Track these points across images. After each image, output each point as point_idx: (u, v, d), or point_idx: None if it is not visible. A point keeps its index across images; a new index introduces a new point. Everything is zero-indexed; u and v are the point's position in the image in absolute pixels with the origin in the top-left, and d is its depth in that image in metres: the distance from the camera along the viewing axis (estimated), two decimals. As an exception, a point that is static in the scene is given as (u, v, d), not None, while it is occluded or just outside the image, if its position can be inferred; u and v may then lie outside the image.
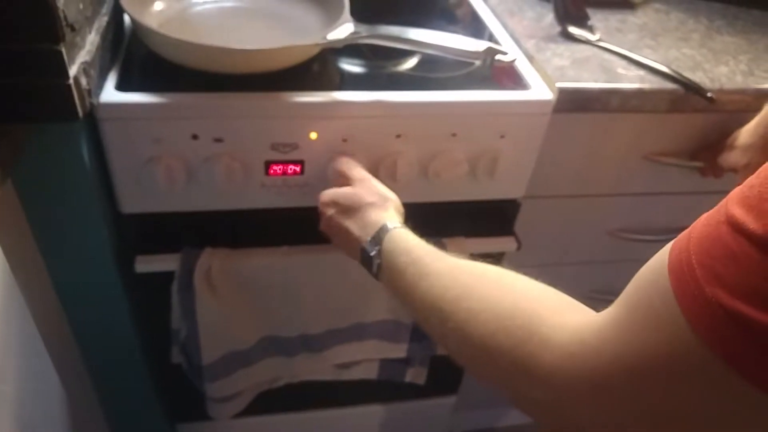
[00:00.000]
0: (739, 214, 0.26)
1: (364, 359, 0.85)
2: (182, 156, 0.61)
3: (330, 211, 0.58)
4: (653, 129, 0.75)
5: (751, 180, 0.27)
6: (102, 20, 0.59)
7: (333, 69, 0.68)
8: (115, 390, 0.82)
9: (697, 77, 0.72)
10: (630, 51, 0.75)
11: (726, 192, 0.31)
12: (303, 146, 0.64)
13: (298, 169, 0.65)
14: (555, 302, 0.40)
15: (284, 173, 0.65)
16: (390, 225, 0.53)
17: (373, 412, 1.01)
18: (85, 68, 0.52)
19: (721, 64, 0.76)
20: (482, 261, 0.49)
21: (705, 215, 0.30)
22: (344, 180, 0.61)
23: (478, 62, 0.58)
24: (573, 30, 0.77)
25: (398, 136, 0.65)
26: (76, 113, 0.51)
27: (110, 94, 0.58)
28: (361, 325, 0.79)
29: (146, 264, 0.66)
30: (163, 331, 0.75)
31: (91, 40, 0.55)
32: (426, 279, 0.47)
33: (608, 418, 0.32)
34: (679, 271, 0.28)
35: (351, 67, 0.69)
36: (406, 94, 0.64)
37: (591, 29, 0.78)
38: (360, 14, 0.65)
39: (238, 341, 0.75)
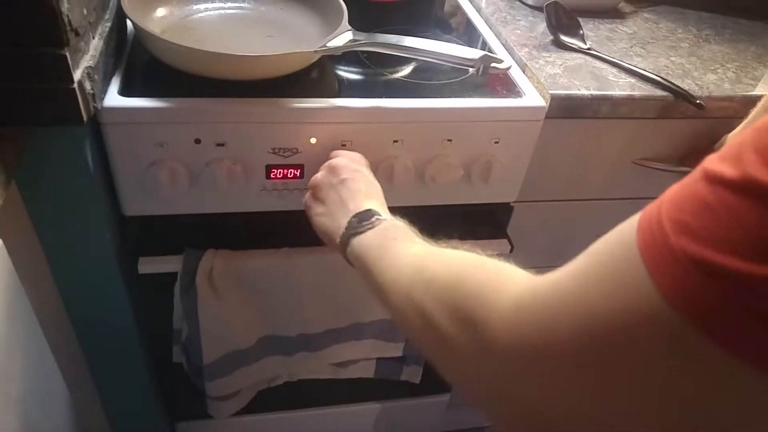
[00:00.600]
0: (717, 167, 0.24)
1: (361, 358, 0.87)
2: (185, 160, 0.63)
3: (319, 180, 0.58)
4: (643, 135, 0.77)
5: (730, 143, 0.25)
6: (105, 26, 0.61)
7: (332, 76, 0.70)
8: (117, 389, 0.83)
9: (686, 85, 0.74)
10: (620, 59, 0.77)
11: None
12: (303, 151, 0.65)
13: (298, 172, 0.67)
14: (511, 269, 0.38)
15: (284, 177, 0.67)
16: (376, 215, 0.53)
17: (369, 410, 1.02)
18: (89, 73, 0.53)
19: (709, 72, 0.79)
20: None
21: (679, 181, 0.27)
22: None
23: (473, 70, 0.59)
24: (565, 39, 0.79)
25: (395, 141, 0.67)
26: (81, 117, 0.53)
27: (113, 98, 0.59)
28: (359, 324, 0.81)
29: (149, 265, 0.68)
30: (164, 331, 0.76)
31: (95, 45, 0.57)
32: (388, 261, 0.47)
33: (560, 392, 0.28)
34: (647, 228, 0.26)
35: (349, 74, 0.71)
36: (403, 100, 0.65)
37: (582, 38, 0.80)
38: (357, 23, 0.67)
39: (239, 341, 0.76)
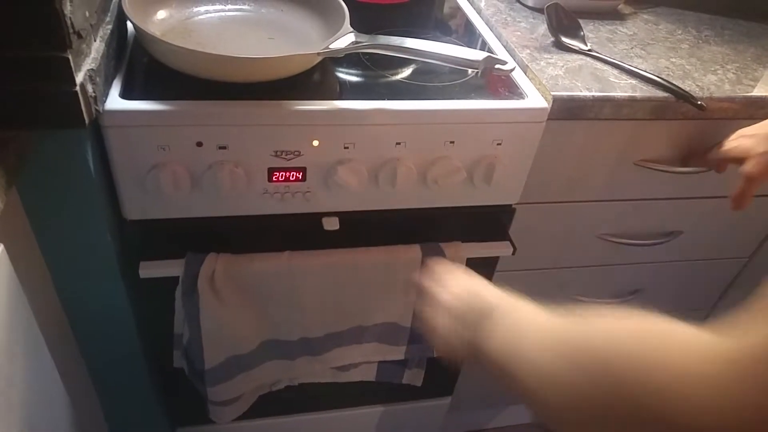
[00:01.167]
0: None
1: (362, 362, 0.86)
2: (187, 163, 0.62)
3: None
4: (644, 136, 0.77)
5: None
6: (106, 28, 0.60)
7: (333, 78, 0.69)
8: (117, 394, 0.83)
9: (686, 86, 0.74)
10: (621, 60, 0.77)
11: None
12: (305, 153, 0.65)
13: (300, 175, 0.66)
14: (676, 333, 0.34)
15: (287, 180, 0.66)
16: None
17: (371, 413, 1.02)
18: (91, 75, 0.53)
19: (709, 73, 0.79)
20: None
21: None
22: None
23: (475, 71, 0.59)
24: (566, 40, 0.79)
25: (398, 143, 0.66)
26: (83, 120, 0.52)
27: (115, 101, 0.58)
28: (360, 328, 0.80)
29: (150, 269, 0.67)
30: (166, 335, 0.76)
31: (97, 47, 0.56)
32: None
33: None
34: None
35: (350, 76, 0.71)
36: (406, 102, 0.65)
37: (583, 39, 0.80)
38: (358, 25, 0.66)
39: (240, 345, 0.76)
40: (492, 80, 0.71)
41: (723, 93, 0.75)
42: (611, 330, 0.36)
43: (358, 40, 0.63)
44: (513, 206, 0.79)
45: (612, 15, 0.91)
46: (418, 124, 0.66)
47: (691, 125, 0.77)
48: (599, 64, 0.77)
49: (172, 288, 0.69)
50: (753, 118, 0.78)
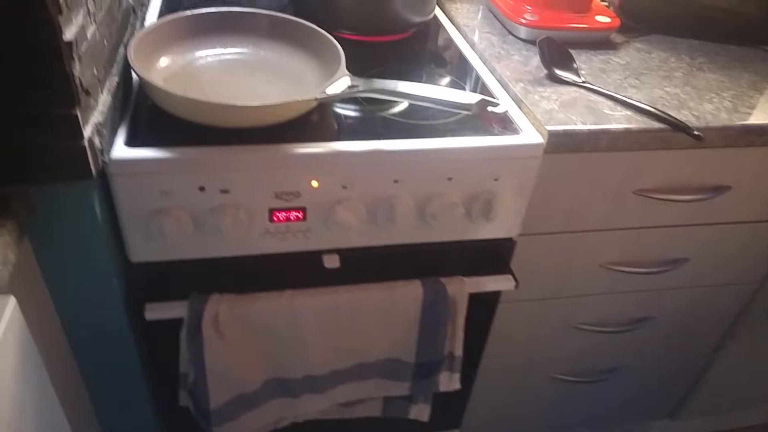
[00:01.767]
0: None
1: (368, 397, 0.86)
2: (189, 207, 0.64)
3: None
4: (643, 166, 0.78)
5: None
6: (113, 80, 0.62)
7: (331, 118, 0.71)
8: (124, 433, 0.83)
9: (682, 115, 0.75)
10: (615, 91, 0.78)
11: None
12: (305, 194, 0.66)
13: (300, 215, 0.68)
14: None
15: (287, 220, 0.68)
16: None
17: (378, 448, 1.01)
18: (98, 128, 0.55)
19: (705, 102, 0.80)
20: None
21: None
22: None
23: (470, 112, 0.60)
24: (559, 73, 0.81)
25: (395, 181, 0.68)
26: (90, 172, 0.54)
27: (120, 150, 0.60)
28: (363, 365, 0.81)
29: (156, 311, 0.68)
30: (172, 374, 0.76)
31: (103, 100, 0.58)
32: None
33: None
34: None
35: (347, 111, 0.72)
36: (401, 142, 0.67)
37: (576, 71, 0.81)
38: (354, 62, 0.68)
39: (245, 384, 0.76)
40: (487, 117, 0.73)
41: (720, 122, 0.76)
42: None
43: (354, 84, 0.65)
44: (513, 239, 0.79)
45: (604, 45, 0.93)
46: (414, 162, 0.67)
47: (689, 154, 0.78)
48: (593, 96, 0.78)
49: (177, 328, 0.70)
50: (752, 146, 0.78)
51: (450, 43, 0.92)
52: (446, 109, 0.62)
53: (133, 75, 0.72)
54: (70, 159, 0.53)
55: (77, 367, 0.73)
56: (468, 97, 0.60)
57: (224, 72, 0.73)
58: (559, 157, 0.73)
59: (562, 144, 0.71)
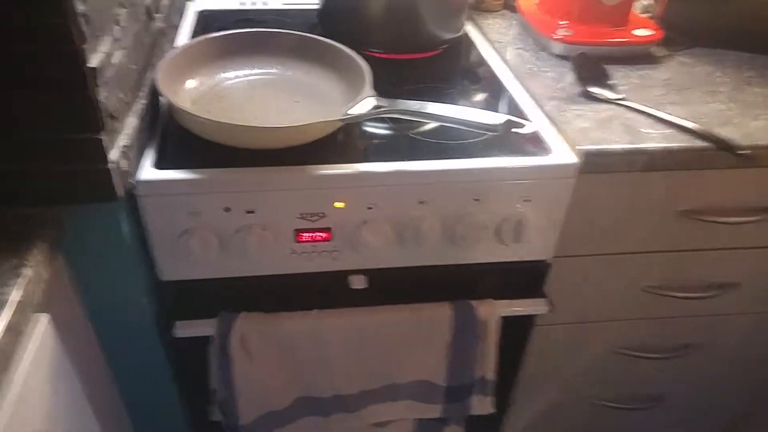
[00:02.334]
0: None
1: (399, 418, 0.85)
2: (216, 227, 0.64)
3: None
4: (686, 186, 0.74)
5: None
6: (141, 103, 0.64)
7: (356, 138, 0.71)
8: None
9: (727, 133, 0.71)
10: (654, 108, 0.74)
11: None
12: (330, 215, 0.66)
13: (326, 236, 0.67)
14: None
15: (313, 240, 0.67)
16: None
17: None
18: (124, 152, 0.56)
19: (752, 118, 0.75)
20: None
21: None
22: None
23: (497, 133, 0.59)
24: (594, 90, 0.78)
25: (421, 202, 0.67)
26: (115, 194, 0.55)
27: (148, 171, 0.61)
28: (394, 386, 0.79)
29: (185, 329, 0.69)
30: (203, 389, 0.77)
31: (130, 123, 0.60)
32: None
33: None
34: None
35: (374, 130, 0.72)
36: (427, 163, 0.65)
37: (612, 88, 0.78)
38: (384, 79, 0.68)
39: (274, 402, 0.76)
40: (518, 135, 0.71)
41: (769, 140, 0.71)
42: None
43: (379, 104, 0.64)
44: (548, 261, 0.76)
45: (644, 59, 0.89)
46: (440, 183, 0.66)
47: (737, 173, 0.74)
48: (631, 114, 0.75)
49: (207, 344, 0.71)
50: (804, 164, 0.73)
51: (481, 59, 0.90)
52: (472, 130, 0.61)
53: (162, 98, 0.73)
54: (95, 182, 0.54)
55: (113, 383, 0.74)
56: (494, 117, 0.59)
57: (252, 92, 0.74)
58: (595, 177, 0.70)
59: (596, 164, 0.68)
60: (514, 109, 0.77)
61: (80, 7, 0.46)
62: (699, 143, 0.70)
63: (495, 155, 0.67)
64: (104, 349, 0.71)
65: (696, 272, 0.84)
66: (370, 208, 0.66)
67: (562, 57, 0.88)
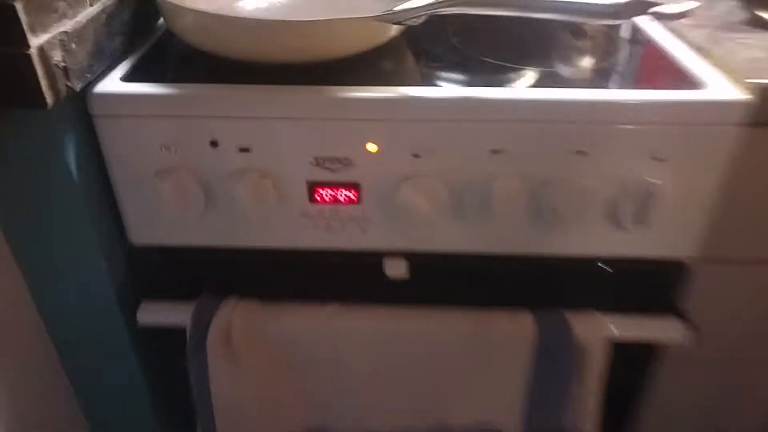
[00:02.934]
0: None
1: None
2: (197, 169, 0.46)
3: None
4: None
5: None
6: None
7: (410, 64, 0.51)
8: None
9: None
10: None
11: None
12: (359, 162, 0.45)
13: (352, 195, 0.47)
14: None
15: (334, 200, 0.47)
16: None
17: None
18: (63, 41, 0.40)
19: None
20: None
21: None
22: None
23: (619, 23, 0.36)
24: (764, 14, 0.53)
25: (495, 151, 0.45)
26: (43, 98, 0.38)
27: (110, 83, 0.45)
28: (442, 428, 0.56)
29: (149, 314, 0.51)
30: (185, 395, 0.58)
31: (88, 13, 0.43)
32: None
33: None
34: None
35: (432, 49, 0.51)
36: (508, 90, 0.44)
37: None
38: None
39: (274, 430, 0.55)
40: (647, 61, 0.47)
41: None
42: None
43: (438, -1, 0.44)
44: (685, 262, 0.51)
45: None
46: (527, 121, 0.44)
47: None
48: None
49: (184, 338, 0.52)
50: None
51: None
52: (579, 20, 0.39)
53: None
54: (10, 73, 0.37)
55: (65, 376, 0.57)
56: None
57: (275, 11, 0.56)
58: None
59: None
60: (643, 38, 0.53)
61: None
62: None
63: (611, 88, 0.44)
64: (51, 329, 0.54)
65: None
66: (416, 155, 0.45)
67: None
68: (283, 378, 0.52)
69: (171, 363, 0.55)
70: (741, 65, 0.46)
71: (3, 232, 0.47)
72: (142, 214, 0.49)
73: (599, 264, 0.51)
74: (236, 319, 0.49)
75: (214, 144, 0.45)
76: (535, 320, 0.50)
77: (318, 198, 0.47)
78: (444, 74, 0.48)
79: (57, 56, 0.39)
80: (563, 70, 0.49)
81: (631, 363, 0.55)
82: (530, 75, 0.47)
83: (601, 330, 0.50)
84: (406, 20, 0.44)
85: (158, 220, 0.49)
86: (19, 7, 0.36)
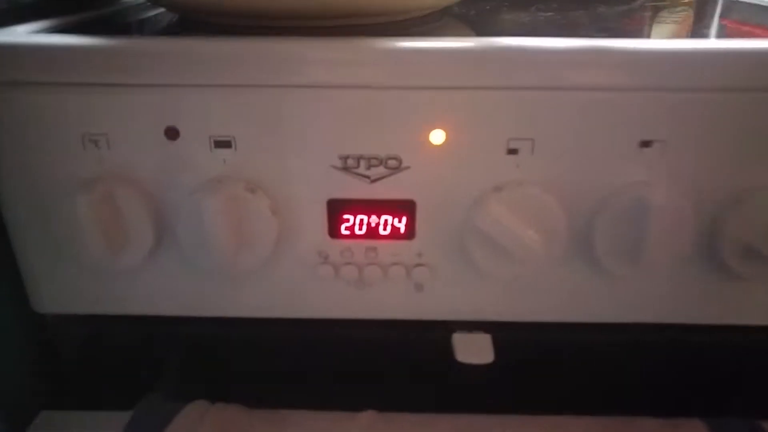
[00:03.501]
0: None
1: None
2: (144, 179, 0.27)
3: None
4: None
5: None
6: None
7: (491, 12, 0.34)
8: None
9: None
10: None
11: None
12: (413, 164, 0.27)
13: (403, 223, 0.28)
14: None
15: (372, 233, 0.28)
16: None
17: None
18: None
19: None
20: None
21: None
22: None
23: None
24: None
25: (644, 143, 0.26)
26: None
27: (10, 33, 0.27)
28: None
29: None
30: None
31: None
32: None
33: None
34: None
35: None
36: (660, 42, 0.27)
37: None
38: None
39: None
40: None
41: None
42: None
43: None
44: None
45: None
46: (703, 90, 0.26)
47: None
48: None
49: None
50: None
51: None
52: None
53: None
54: None
55: None
56: None
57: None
58: None
59: None
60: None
61: None
62: None
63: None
64: None
65: None
66: (512, 151, 0.27)
67: None
68: None
69: None
70: None
71: None
72: (51, 262, 0.29)
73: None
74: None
75: (172, 134, 0.27)
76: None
77: (344, 229, 0.28)
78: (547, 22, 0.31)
79: None
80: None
81: None
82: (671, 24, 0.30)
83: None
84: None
85: (77, 271, 0.29)
86: None
